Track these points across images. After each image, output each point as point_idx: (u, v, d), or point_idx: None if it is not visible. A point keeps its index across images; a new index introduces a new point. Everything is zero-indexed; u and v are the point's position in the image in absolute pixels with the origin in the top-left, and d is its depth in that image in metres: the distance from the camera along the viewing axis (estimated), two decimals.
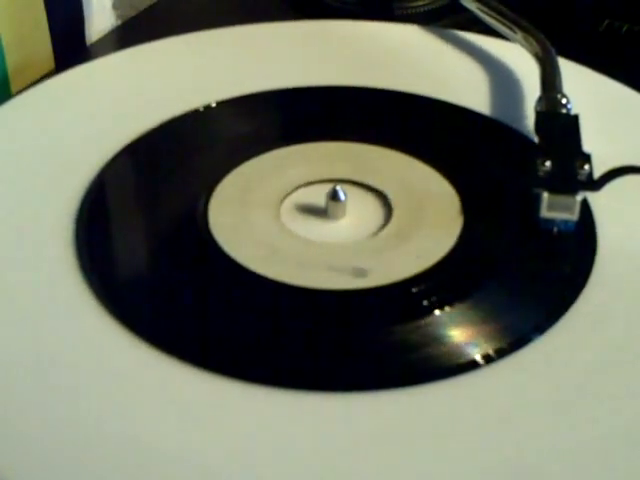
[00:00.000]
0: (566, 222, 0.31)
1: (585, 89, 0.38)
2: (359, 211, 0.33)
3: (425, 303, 0.29)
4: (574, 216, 0.31)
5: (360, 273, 0.30)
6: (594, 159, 0.32)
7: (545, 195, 0.31)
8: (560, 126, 0.34)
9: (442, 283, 0.30)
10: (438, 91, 0.39)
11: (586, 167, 0.31)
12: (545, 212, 0.31)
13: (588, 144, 0.33)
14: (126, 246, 0.32)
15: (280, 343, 0.28)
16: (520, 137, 0.36)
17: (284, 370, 0.27)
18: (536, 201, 0.31)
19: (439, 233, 0.32)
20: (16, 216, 0.32)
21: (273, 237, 0.32)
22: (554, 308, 0.29)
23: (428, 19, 0.46)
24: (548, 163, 0.31)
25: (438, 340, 0.28)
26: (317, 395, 0.26)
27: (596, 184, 0.31)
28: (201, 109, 0.38)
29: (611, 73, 0.39)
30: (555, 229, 0.31)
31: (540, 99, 0.35)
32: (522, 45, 0.39)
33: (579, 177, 0.31)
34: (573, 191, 0.31)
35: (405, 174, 0.34)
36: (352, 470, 0.24)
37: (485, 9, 0.42)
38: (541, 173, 0.31)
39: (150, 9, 0.50)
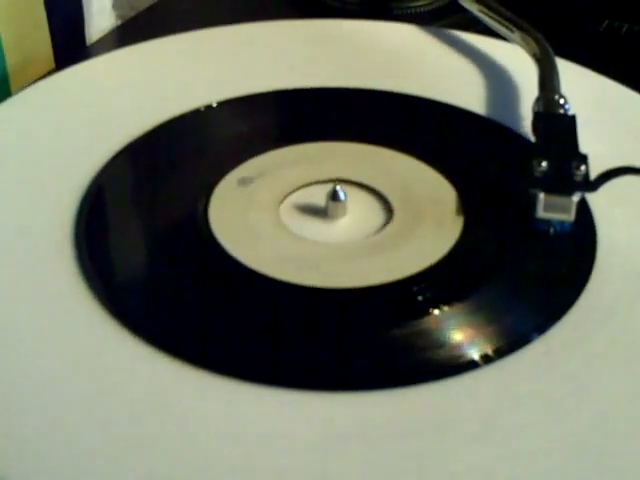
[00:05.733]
0: (562, 223, 0.31)
1: (584, 89, 0.38)
2: (359, 211, 0.33)
3: (425, 303, 0.29)
4: (570, 217, 0.31)
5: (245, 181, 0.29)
6: (592, 159, 0.32)
7: (541, 196, 0.31)
8: (557, 127, 0.34)
9: (442, 283, 0.30)
10: (437, 91, 0.39)
11: (582, 168, 0.31)
12: (541, 213, 0.31)
13: (587, 144, 0.33)
14: (126, 246, 0.32)
15: (280, 343, 0.28)
16: (518, 138, 0.36)
17: (284, 370, 0.27)
18: (532, 202, 0.31)
19: (439, 233, 0.32)
20: (15, 215, 0.32)
21: (273, 237, 0.32)
22: (554, 308, 0.29)
23: (427, 19, 0.46)
24: (545, 164, 0.31)
25: (438, 340, 0.28)
26: (317, 395, 0.26)
27: (592, 185, 0.31)
28: (201, 109, 0.38)
29: (611, 73, 0.39)
30: (551, 230, 0.31)
31: (538, 100, 0.35)
32: (520, 45, 0.39)
33: (575, 178, 0.31)
34: (569, 192, 0.31)
35: (405, 174, 0.35)
36: (352, 470, 0.25)
37: (484, 9, 0.42)
38: (537, 174, 0.31)
39: (150, 9, 0.50)
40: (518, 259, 0.31)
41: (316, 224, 0.33)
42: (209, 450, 0.25)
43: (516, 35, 0.39)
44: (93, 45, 0.47)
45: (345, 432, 0.25)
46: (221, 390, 0.26)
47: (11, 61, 0.43)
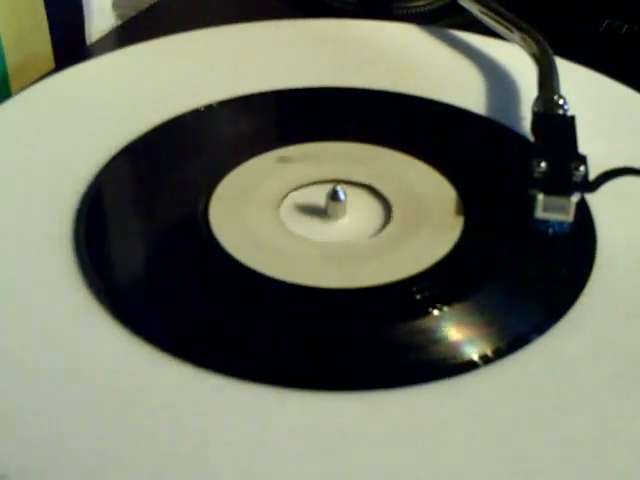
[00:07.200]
0: (561, 223, 0.31)
1: (584, 89, 0.38)
2: (359, 211, 0.33)
3: (424, 303, 0.29)
4: (569, 217, 0.31)
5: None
6: (592, 160, 0.32)
7: (540, 196, 0.31)
8: (556, 127, 0.34)
9: (441, 283, 0.30)
10: (437, 91, 0.39)
11: (581, 168, 0.31)
12: (540, 213, 0.31)
13: (586, 145, 0.33)
14: (126, 246, 0.32)
15: (280, 343, 0.28)
16: (518, 138, 0.36)
17: (284, 370, 0.27)
18: (532, 202, 0.31)
19: (439, 233, 0.32)
20: (15, 216, 0.32)
21: (273, 237, 0.32)
22: (554, 309, 0.29)
23: (427, 19, 0.46)
24: (544, 164, 0.31)
25: (437, 340, 0.28)
26: (317, 395, 0.26)
27: (591, 185, 0.31)
28: (201, 109, 0.38)
29: (611, 73, 0.39)
30: (550, 230, 0.31)
31: (537, 100, 0.35)
32: (520, 45, 0.39)
33: (574, 178, 0.31)
34: (568, 192, 0.31)
35: (405, 174, 0.35)
36: (352, 470, 0.25)
37: (484, 9, 0.42)
38: (536, 174, 0.31)
39: (150, 9, 0.50)
40: (518, 259, 0.31)
41: (316, 224, 0.33)
42: (208, 450, 0.25)
43: (516, 35, 0.39)
44: (93, 45, 0.47)
45: (345, 432, 0.25)
46: (221, 390, 0.26)
47: (11, 61, 0.43)
